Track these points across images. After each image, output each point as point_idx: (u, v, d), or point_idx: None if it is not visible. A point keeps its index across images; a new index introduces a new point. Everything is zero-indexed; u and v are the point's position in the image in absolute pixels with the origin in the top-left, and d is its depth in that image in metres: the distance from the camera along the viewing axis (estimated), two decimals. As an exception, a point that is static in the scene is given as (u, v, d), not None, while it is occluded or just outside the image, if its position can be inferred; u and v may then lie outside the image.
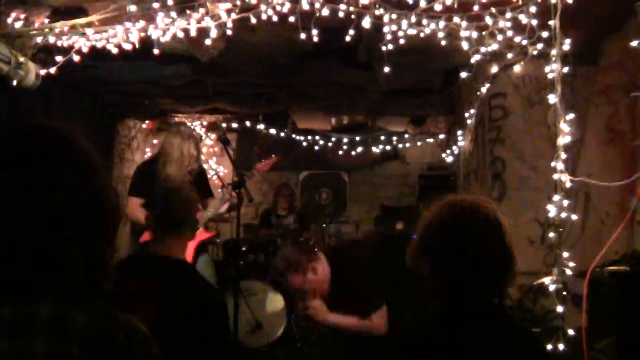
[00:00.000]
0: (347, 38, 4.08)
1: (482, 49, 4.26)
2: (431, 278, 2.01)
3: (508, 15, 3.83)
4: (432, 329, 2.01)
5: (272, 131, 8.27)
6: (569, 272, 3.61)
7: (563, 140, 3.60)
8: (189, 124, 8.35)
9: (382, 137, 8.66)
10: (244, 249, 6.92)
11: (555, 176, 3.62)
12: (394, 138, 8.66)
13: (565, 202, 3.60)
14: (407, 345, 2.04)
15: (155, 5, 3.87)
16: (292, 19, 3.87)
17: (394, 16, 3.92)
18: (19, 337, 1.23)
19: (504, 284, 2.01)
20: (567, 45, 3.65)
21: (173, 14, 3.96)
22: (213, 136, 8.56)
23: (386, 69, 4.29)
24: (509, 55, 4.53)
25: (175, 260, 2.70)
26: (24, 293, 1.26)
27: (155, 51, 4.23)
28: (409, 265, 2.08)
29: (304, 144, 8.69)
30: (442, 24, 3.94)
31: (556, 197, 3.62)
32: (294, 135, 8.53)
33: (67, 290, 1.29)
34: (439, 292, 2.02)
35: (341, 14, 3.86)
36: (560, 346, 3.53)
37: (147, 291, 2.38)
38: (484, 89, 5.05)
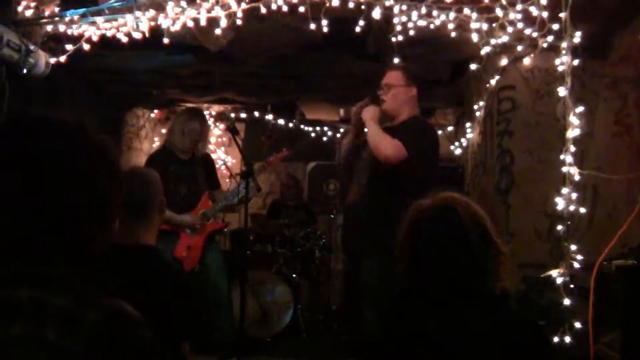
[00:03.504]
0: (357, 29, 4.07)
1: (492, 41, 4.25)
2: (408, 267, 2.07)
3: (518, 7, 3.82)
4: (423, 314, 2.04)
5: (281, 121, 8.27)
6: (576, 265, 3.61)
7: (572, 133, 3.60)
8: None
9: (391, 129, 8.63)
10: (251, 238, 6.95)
11: (564, 169, 3.62)
12: (402, 129, 8.64)
13: (574, 195, 3.60)
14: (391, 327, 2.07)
15: (166, -6, 3.88)
16: (301, 9, 3.88)
17: (404, 7, 3.92)
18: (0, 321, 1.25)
19: (483, 271, 2.01)
20: (577, 38, 3.64)
21: (183, 3, 3.97)
22: (221, 126, 8.57)
23: (395, 60, 4.29)
24: (519, 48, 4.52)
25: (141, 247, 2.62)
26: (7, 276, 1.28)
27: (165, 40, 4.24)
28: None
29: (312, 134, 8.69)
30: (452, 15, 3.94)
31: (564, 190, 3.62)
32: (302, 126, 8.53)
33: (50, 274, 1.30)
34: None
35: (351, 5, 3.86)
36: (567, 339, 3.54)
37: (115, 284, 2.27)
38: (493, 81, 5.03)
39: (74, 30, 4.19)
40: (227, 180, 6.21)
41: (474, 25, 4.01)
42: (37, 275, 1.29)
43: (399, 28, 4.07)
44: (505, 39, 4.22)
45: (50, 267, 1.30)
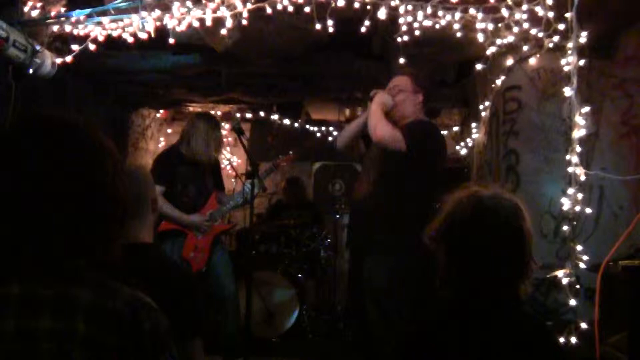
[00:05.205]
0: (362, 29, 4.07)
1: (498, 41, 4.25)
2: (445, 267, 2.00)
3: (524, 7, 3.81)
4: (443, 320, 2.00)
5: (286, 121, 8.28)
6: (582, 265, 3.61)
7: (578, 133, 3.59)
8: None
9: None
10: (256, 237, 6.95)
11: (570, 169, 3.61)
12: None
13: (579, 196, 3.59)
14: (417, 336, 2.02)
15: (171, -6, 3.89)
16: (307, 9, 3.87)
17: (409, 7, 3.92)
18: (26, 315, 1.27)
19: (520, 278, 1.99)
20: (583, 38, 3.63)
21: (189, 3, 3.98)
22: (227, 126, 8.58)
23: (401, 61, 4.28)
24: (525, 48, 4.51)
25: (139, 245, 2.60)
26: (31, 272, 1.31)
27: (171, 41, 4.25)
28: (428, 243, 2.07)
29: (318, 134, 8.69)
30: (457, 15, 3.93)
31: (570, 191, 3.61)
32: (307, 126, 8.53)
33: (70, 269, 1.34)
34: (452, 283, 2.00)
35: (356, 5, 3.86)
36: (573, 340, 3.54)
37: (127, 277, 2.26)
38: (498, 82, 5.02)
39: (80, 31, 4.19)
40: (233, 180, 6.21)
41: (479, 25, 4.00)
42: (59, 270, 1.32)
43: (404, 28, 4.07)
44: (511, 39, 4.21)
45: (69, 262, 1.34)
